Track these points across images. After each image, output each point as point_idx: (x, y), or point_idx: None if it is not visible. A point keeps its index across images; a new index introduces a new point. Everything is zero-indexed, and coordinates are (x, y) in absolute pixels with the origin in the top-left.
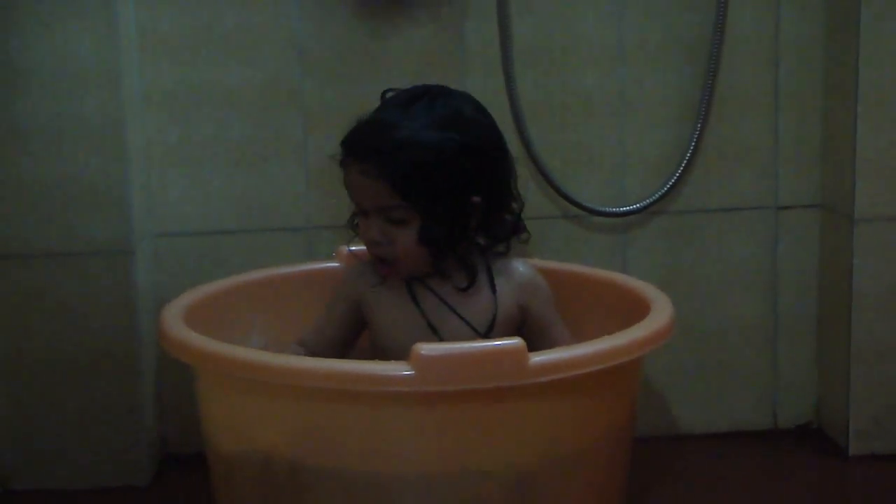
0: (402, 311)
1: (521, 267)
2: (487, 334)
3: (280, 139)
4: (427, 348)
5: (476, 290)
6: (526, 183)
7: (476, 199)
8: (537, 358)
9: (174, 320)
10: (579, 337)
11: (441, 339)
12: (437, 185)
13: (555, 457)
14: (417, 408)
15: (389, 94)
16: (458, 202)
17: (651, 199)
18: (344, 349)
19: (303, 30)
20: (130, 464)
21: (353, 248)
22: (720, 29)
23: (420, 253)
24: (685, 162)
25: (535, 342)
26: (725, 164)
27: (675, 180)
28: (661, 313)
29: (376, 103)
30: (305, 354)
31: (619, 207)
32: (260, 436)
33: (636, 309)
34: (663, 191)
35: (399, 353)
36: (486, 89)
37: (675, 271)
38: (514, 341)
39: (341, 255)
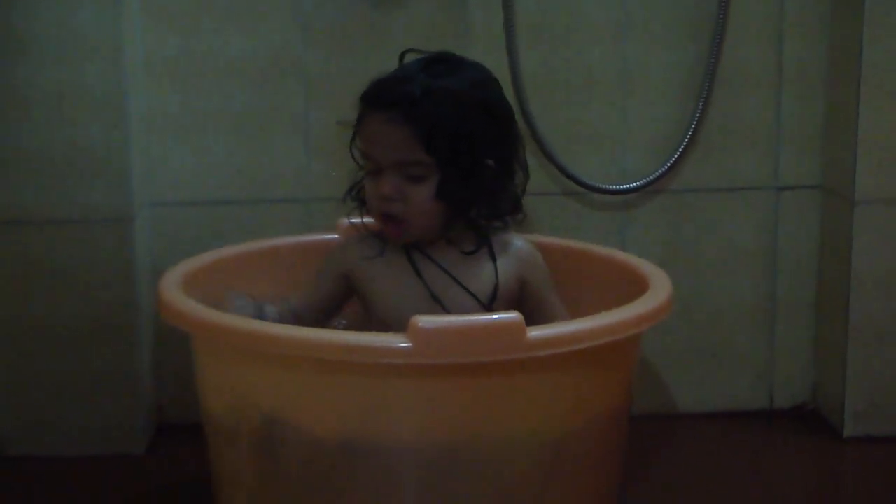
0: (403, 282)
1: (519, 241)
2: (490, 305)
3: (281, 110)
4: (425, 321)
5: (477, 261)
6: (527, 159)
7: (490, 162)
8: (535, 332)
9: (173, 288)
10: (578, 313)
11: (445, 310)
12: (460, 139)
13: (552, 431)
14: (415, 380)
15: (409, 55)
16: (475, 162)
17: (652, 177)
18: (326, 320)
19: (306, 0)
20: (126, 432)
21: (354, 220)
22: (724, 7)
23: (433, 212)
24: (686, 140)
25: (533, 317)
26: (727, 144)
27: (676, 159)
28: (659, 290)
29: (379, 75)
30: (291, 318)
31: (620, 185)
32: (257, 405)
33: (635, 286)
34: (664, 169)
35: (401, 324)
36: (488, 64)
37: (675, 250)
38: (513, 315)
39: (342, 228)
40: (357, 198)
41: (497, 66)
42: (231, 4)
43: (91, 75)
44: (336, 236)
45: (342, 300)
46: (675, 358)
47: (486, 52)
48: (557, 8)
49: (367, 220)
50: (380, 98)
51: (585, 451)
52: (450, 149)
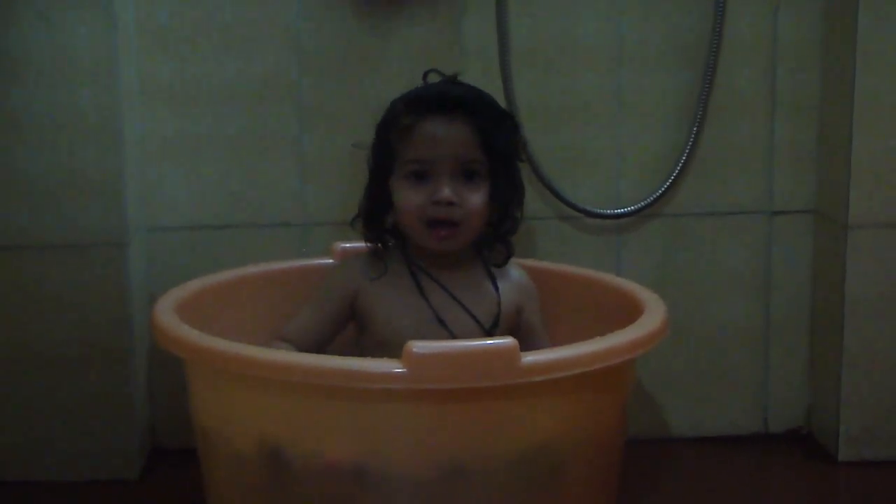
0: (409, 305)
1: (515, 270)
2: (492, 330)
3: (276, 135)
4: (420, 346)
5: (480, 286)
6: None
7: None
8: (529, 358)
9: (167, 313)
10: (573, 338)
11: (450, 333)
12: (507, 146)
13: (546, 456)
14: (409, 404)
15: (430, 75)
16: (513, 173)
17: (646, 202)
18: (326, 346)
19: (301, 26)
20: (120, 456)
21: (348, 244)
22: (718, 33)
23: (483, 218)
24: (680, 165)
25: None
26: (720, 168)
27: (671, 183)
28: (654, 315)
29: (373, 100)
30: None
31: (614, 209)
32: (251, 430)
33: (629, 311)
34: (658, 193)
35: (402, 346)
36: (483, 88)
37: (669, 274)
38: (507, 341)
39: (336, 252)
40: (371, 217)
41: (492, 90)
42: (226, 29)
43: (86, 100)
44: (331, 261)
45: (345, 322)
46: (670, 382)
47: (480, 76)
48: (552, 33)
49: (359, 244)
50: (440, 100)
51: (580, 476)
52: (502, 151)
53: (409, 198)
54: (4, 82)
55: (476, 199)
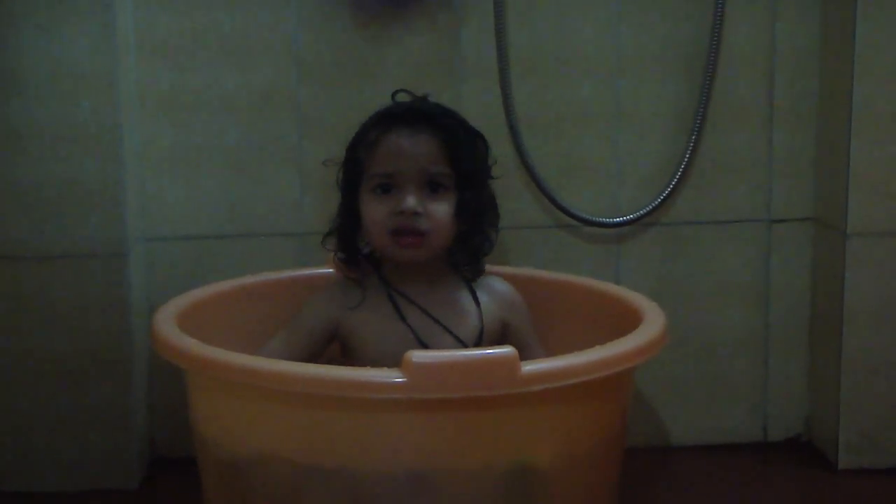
0: (389, 328)
1: (498, 283)
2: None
3: (276, 144)
4: (419, 356)
5: (461, 303)
6: (520, 193)
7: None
8: (529, 367)
9: (167, 324)
10: (571, 347)
11: None
12: (473, 161)
13: (545, 465)
14: (409, 414)
15: (399, 95)
16: (481, 188)
17: (645, 211)
18: None
19: (300, 36)
20: (120, 466)
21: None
22: (716, 42)
23: (450, 231)
24: (679, 174)
25: None
26: (719, 177)
27: (669, 192)
28: (653, 324)
29: (372, 110)
30: None
31: (613, 218)
32: (251, 440)
33: (628, 319)
34: (657, 202)
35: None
36: (481, 98)
37: (668, 283)
38: (507, 350)
39: (332, 262)
40: (343, 235)
41: (490, 99)
42: (225, 40)
43: (85, 110)
44: (330, 270)
45: (321, 351)
46: (669, 390)
47: (479, 86)
48: (550, 43)
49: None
50: (406, 114)
51: (578, 485)
52: (469, 166)
53: (374, 210)
54: (4, 94)
55: (441, 210)
